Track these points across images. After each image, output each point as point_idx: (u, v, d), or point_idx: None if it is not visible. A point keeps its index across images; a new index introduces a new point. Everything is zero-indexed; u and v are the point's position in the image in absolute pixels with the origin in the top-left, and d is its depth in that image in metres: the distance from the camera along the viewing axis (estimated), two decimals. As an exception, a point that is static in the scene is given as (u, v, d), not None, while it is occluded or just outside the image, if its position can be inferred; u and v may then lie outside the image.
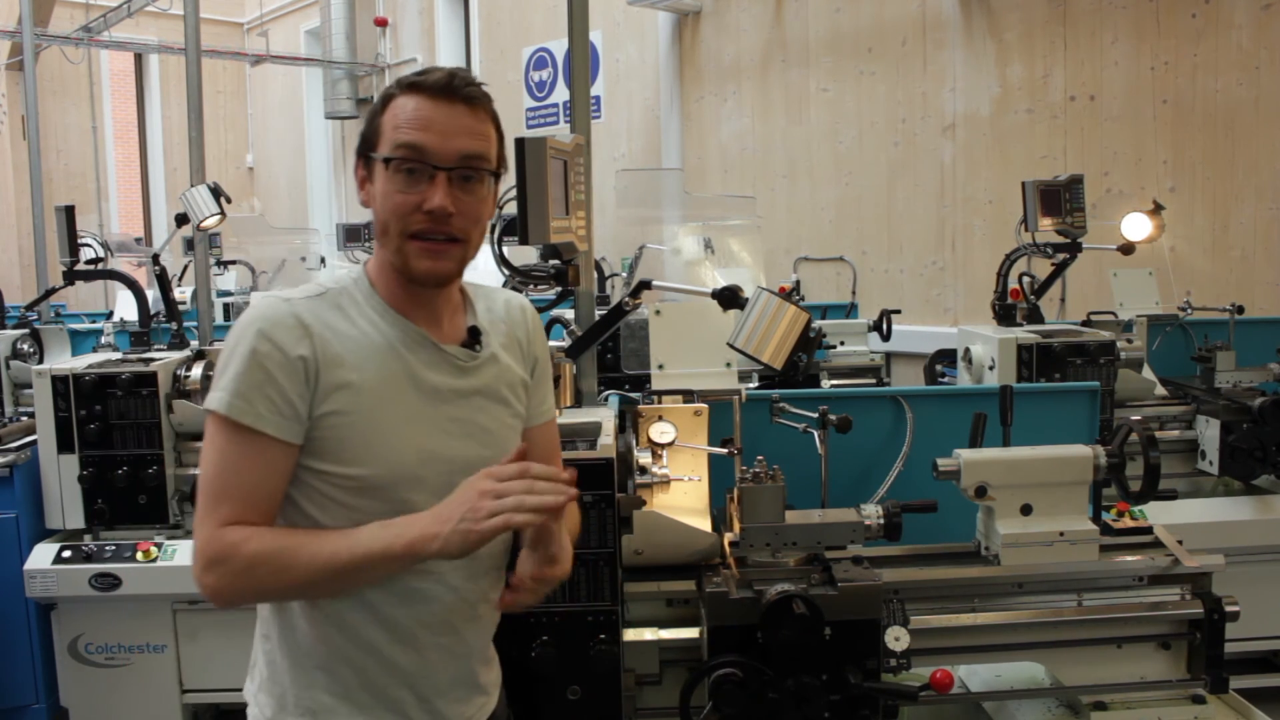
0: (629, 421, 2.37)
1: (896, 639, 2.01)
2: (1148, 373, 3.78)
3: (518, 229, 2.02)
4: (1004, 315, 3.88)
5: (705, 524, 2.24)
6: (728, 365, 2.55)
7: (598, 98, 8.32)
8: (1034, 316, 3.94)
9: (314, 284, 1.49)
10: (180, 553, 3.18)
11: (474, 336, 1.53)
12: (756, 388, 3.38)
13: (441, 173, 1.41)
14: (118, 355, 3.50)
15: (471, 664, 1.58)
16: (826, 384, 4.37)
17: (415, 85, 1.44)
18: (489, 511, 1.30)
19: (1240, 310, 3.94)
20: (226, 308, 6.22)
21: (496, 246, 2.50)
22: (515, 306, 1.65)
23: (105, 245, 5.56)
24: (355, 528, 1.38)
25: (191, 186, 3.77)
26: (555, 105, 8.79)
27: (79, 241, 3.92)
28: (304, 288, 1.48)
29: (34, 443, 3.31)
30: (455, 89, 1.43)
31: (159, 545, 3.19)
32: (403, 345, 1.46)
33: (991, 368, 3.50)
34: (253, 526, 1.37)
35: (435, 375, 1.48)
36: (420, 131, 1.41)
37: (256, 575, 1.36)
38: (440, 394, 1.48)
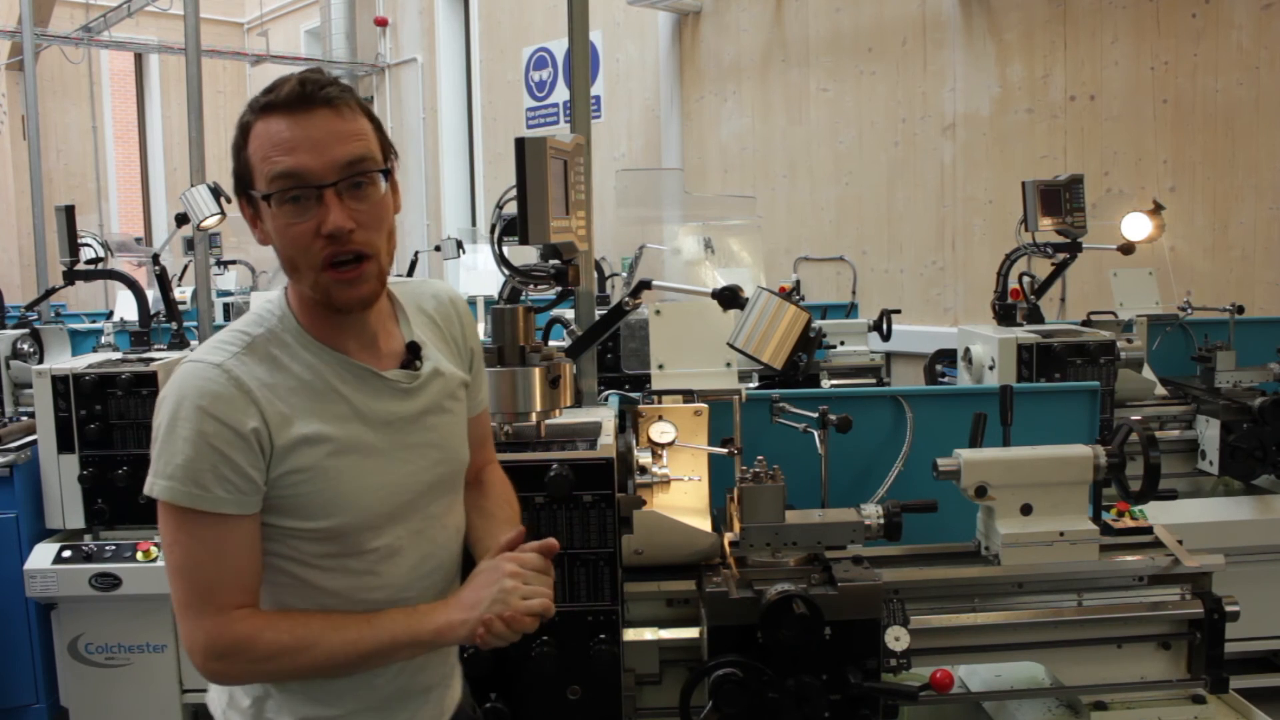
0: (629, 421, 2.37)
1: (896, 639, 2.01)
2: (1148, 373, 3.78)
3: (518, 229, 2.02)
4: (1004, 315, 3.88)
5: (705, 524, 2.24)
6: (728, 365, 2.54)
7: (598, 98, 8.31)
8: (1034, 316, 3.94)
9: (236, 332, 1.38)
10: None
11: (413, 353, 1.46)
12: (756, 388, 3.38)
13: (328, 190, 1.30)
14: (118, 355, 3.50)
15: (450, 663, 1.61)
16: (826, 384, 4.37)
17: (269, 106, 1.32)
18: (522, 609, 1.36)
19: (1240, 310, 3.94)
20: (226, 308, 6.22)
21: (496, 246, 2.48)
22: (444, 300, 1.57)
23: (105, 245, 5.54)
24: (370, 612, 1.37)
25: (191, 186, 3.77)
26: (555, 105, 8.78)
27: (79, 241, 3.91)
28: (226, 338, 1.37)
29: (34, 443, 3.31)
30: (311, 96, 1.30)
31: (159, 545, 3.19)
32: (343, 383, 1.39)
33: (991, 368, 3.50)
34: (262, 614, 1.35)
35: (382, 405, 1.42)
36: (290, 155, 1.29)
37: (273, 665, 1.34)
38: (390, 424, 1.42)
